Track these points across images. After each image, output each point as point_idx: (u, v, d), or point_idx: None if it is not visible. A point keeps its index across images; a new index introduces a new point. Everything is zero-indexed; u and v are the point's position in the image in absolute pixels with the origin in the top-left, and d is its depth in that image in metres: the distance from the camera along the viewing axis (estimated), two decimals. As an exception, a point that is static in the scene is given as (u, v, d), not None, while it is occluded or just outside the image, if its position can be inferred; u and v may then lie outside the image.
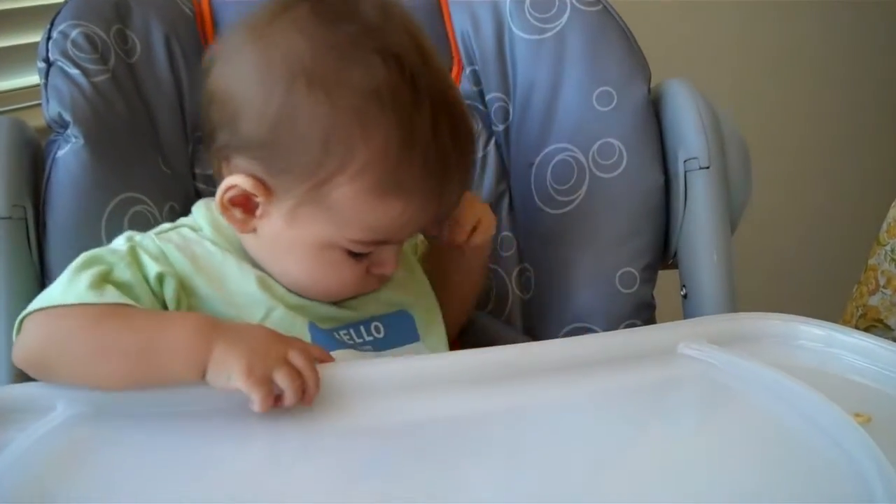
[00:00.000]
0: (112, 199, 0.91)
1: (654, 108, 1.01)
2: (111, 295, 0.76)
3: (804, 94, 1.95)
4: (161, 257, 0.82)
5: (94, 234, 0.90)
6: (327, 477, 0.68)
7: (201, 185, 1.01)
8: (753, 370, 0.78)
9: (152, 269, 0.81)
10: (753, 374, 0.78)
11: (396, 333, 0.89)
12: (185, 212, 0.92)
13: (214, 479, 0.67)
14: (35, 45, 0.94)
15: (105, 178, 0.91)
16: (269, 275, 0.85)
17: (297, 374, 0.72)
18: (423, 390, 0.75)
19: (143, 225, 0.92)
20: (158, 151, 0.98)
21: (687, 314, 0.99)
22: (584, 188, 1.01)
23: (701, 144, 0.97)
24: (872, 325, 1.41)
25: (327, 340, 0.84)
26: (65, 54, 0.92)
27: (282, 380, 0.71)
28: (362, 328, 0.88)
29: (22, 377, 0.84)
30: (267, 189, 0.81)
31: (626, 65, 1.00)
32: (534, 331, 1.04)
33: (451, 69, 1.06)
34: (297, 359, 0.72)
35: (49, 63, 0.92)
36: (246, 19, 0.83)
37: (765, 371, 0.77)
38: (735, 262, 0.99)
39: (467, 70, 1.07)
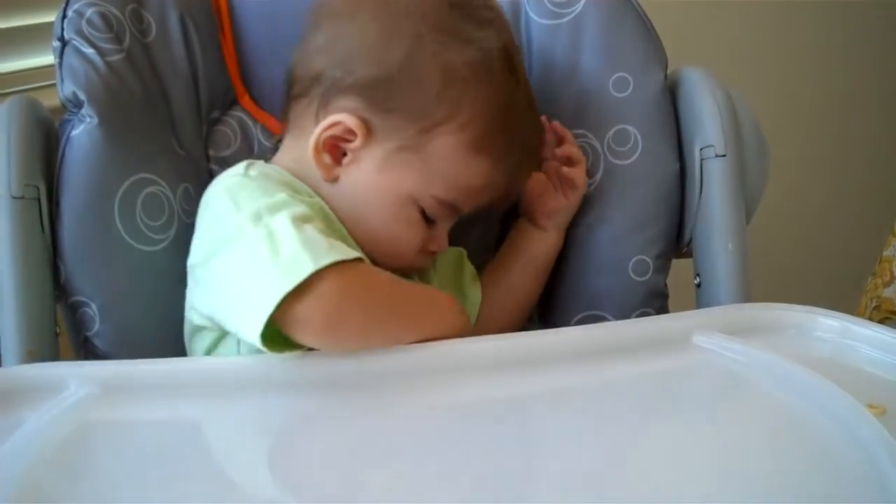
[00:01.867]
0: (126, 179, 0.91)
1: (671, 96, 1.00)
2: (340, 249, 0.74)
3: (816, 84, 1.94)
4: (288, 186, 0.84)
5: (108, 214, 0.90)
6: (342, 457, 0.68)
7: (215, 167, 1.01)
8: (767, 361, 0.78)
9: (300, 206, 0.79)
10: (767, 365, 0.78)
11: None
12: (199, 194, 0.92)
13: (228, 458, 0.67)
14: (50, 24, 0.94)
15: (119, 159, 0.91)
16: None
17: None
18: (434, 377, 0.75)
19: (156, 207, 0.92)
20: (172, 132, 0.98)
21: (700, 303, 0.98)
22: (599, 174, 1.00)
23: (717, 132, 0.96)
24: (887, 317, 1.41)
25: None
26: (80, 33, 0.92)
27: None
28: None
29: (32, 358, 0.85)
30: (368, 130, 0.85)
31: (642, 51, 0.99)
32: (546, 318, 1.04)
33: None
34: None
35: (64, 42, 0.92)
36: None
37: (779, 361, 0.77)
38: (750, 252, 0.98)
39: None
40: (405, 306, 0.80)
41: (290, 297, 0.71)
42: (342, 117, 0.85)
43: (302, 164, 0.89)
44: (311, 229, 0.75)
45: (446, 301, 0.83)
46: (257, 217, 0.77)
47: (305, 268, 0.71)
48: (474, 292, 1.01)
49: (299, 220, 0.76)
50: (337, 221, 0.87)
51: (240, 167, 0.88)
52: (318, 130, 0.86)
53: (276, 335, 0.73)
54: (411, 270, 0.93)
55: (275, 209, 0.77)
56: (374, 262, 0.82)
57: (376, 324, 0.77)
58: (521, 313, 1.03)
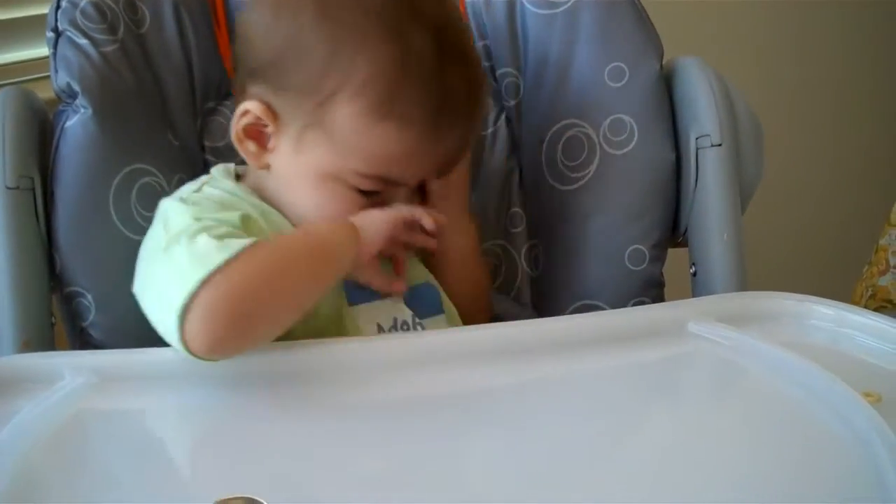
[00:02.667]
0: (120, 170, 0.91)
1: (667, 85, 1.00)
2: (240, 243, 0.75)
3: (812, 74, 1.93)
4: (222, 205, 0.84)
5: (102, 205, 0.90)
6: (331, 448, 0.68)
7: (210, 158, 1.01)
8: (763, 349, 0.78)
9: (233, 216, 0.81)
10: (763, 353, 0.78)
11: (423, 305, 0.90)
12: (194, 184, 0.92)
13: (220, 447, 0.67)
14: (44, 16, 0.94)
15: (113, 150, 0.91)
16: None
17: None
18: (430, 365, 0.75)
19: (152, 197, 0.92)
20: (167, 123, 0.97)
21: (696, 293, 0.98)
22: (595, 164, 1.00)
23: (713, 122, 0.96)
24: (882, 305, 1.41)
25: (364, 294, 0.86)
26: (74, 24, 0.91)
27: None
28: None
29: (27, 348, 0.85)
30: (274, 113, 0.84)
31: (638, 40, 0.99)
32: (542, 307, 1.04)
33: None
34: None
35: (58, 33, 0.92)
36: None
37: (774, 350, 0.77)
38: (745, 241, 0.98)
39: (478, 45, 1.06)
40: (293, 272, 0.78)
41: (181, 317, 0.72)
42: (249, 105, 0.85)
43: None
44: (204, 239, 0.75)
45: (338, 232, 0.82)
46: (174, 240, 0.78)
47: (184, 290, 0.72)
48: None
49: (198, 233, 0.76)
50: (277, 215, 0.87)
51: (186, 189, 0.89)
52: (233, 122, 0.87)
53: None
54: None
55: (187, 233, 0.77)
56: None
57: (265, 311, 0.75)
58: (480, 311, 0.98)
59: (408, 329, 0.87)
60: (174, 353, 0.73)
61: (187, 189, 0.88)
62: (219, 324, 0.73)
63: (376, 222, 0.84)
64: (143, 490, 0.63)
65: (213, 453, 0.66)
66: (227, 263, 0.73)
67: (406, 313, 0.88)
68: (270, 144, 0.86)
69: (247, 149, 0.87)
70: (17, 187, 0.87)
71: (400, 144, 0.82)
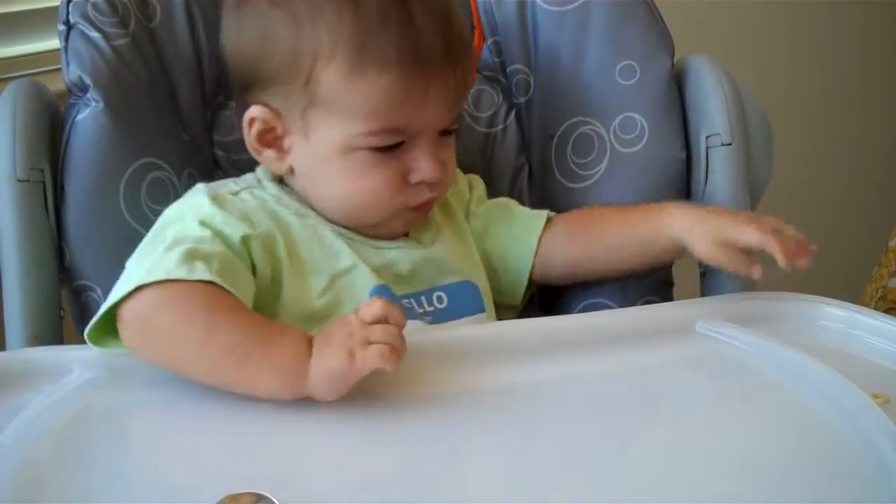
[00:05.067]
0: (130, 164, 0.91)
1: (678, 83, 1.00)
2: (201, 271, 0.74)
3: (823, 74, 1.93)
4: (245, 216, 0.83)
5: (112, 198, 0.90)
6: (339, 444, 0.68)
7: (220, 152, 1.01)
8: (772, 350, 0.78)
9: (236, 232, 0.81)
10: (772, 354, 0.78)
11: (461, 303, 0.90)
12: (204, 179, 0.92)
13: (229, 442, 0.67)
14: (55, 8, 0.94)
15: (123, 143, 0.91)
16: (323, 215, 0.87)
17: (388, 330, 0.70)
18: (437, 362, 0.75)
19: (161, 191, 0.92)
20: (177, 117, 0.98)
21: (705, 293, 0.98)
22: (605, 162, 1.00)
23: (723, 121, 0.96)
24: (892, 307, 1.41)
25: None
26: (85, 17, 0.91)
27: (381, 338, 0.69)
28: (423, 298, 0.88)
29: (36, 341, 0.85)
30: (274, 111, 0.84)
31: (649, 39, 0.99)
32: (550, 305, 1.04)
33: (473, 39, 1.05)
34: (377, 335, 0.69)
35: (69, 26, 0.92)
36: None
37: (783, 351, 0.77)
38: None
39: (489, 41, 1.06)
40: (201, 344, 0.72)
41: (122, 301, 0.74)
42: (251, 112, 0.85)
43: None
44: (177, 252, 0.75)
45: (280, 365, 0.71)
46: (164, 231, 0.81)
47: (132, 281, 0.74)
48: (528, 232, 0.96)
49: (192, 251, 0.76)
50: (315, 219, 0.86)
51: (226, 186, 0.88)
52: (245, 137, 0.87)
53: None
54: (418, 217, 0.89)
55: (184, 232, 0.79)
56: (378, 234, 0.87)
57: (154, 351, 0.74)
58: (599, 267, 0.96)
59: None
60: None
61: (226, 187, 0.88)
62: (126, 332, 0.74)
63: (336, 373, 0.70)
64: (150, 485, 0.63)
65: (222, 449, 0.66)
66: (166, 283, 0.73)
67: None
68: (285, 145, 0.86)
69: (266, 157, 0.87)
70: (28, 180, 0.87)
71: (388, 90, 0.81)
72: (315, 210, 0.87)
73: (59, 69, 0.93)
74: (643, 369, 0.79)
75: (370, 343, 0.69)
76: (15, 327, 0.87)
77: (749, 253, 0.83)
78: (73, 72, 0.90)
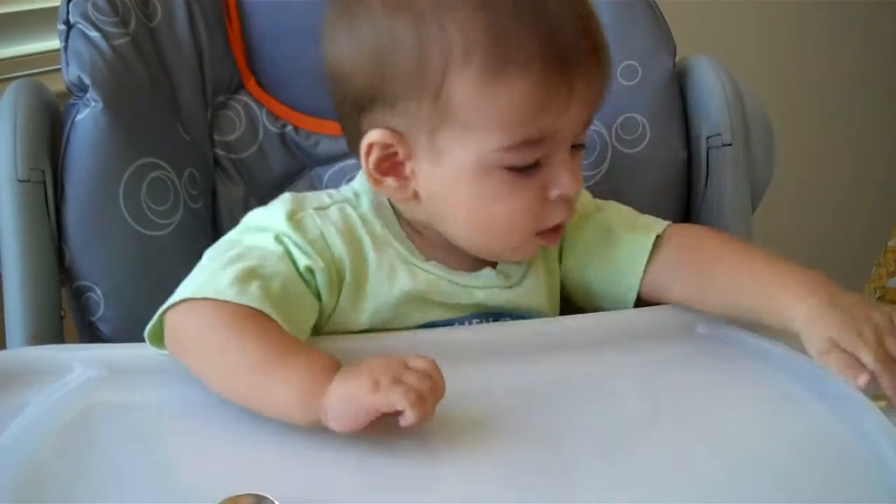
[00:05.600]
0: (130, 164, 0.91)
1: (679, 84, 1.00)
2: (251, 296, 0.71)
3: (822, 74, 1.93)
4: (318, 240, 0.78)
5: (112, 198, 0.90)
6: (341, 445, 0.68)
7: (220, 152, 1.01)
8: (771, 351, 0.78)
9: (302, 261, 0.76)
10: (771, 355, 0.78)
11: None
12: (204, 179, 0.92)
13: (230, 442, 0.67)
14: (55, 9, 0.94)
15: (123, 143, 0.91)
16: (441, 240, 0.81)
17: (423, 376, 0.64)
18: (440, 363, 0.75)
19: (162, 191, 0.92)
20: (177, 117, 0.98)
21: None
22: (607, 162, 1.00)
23: (724, 121, 0.96)
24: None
25: None
26: (85, 17, 0.91)
27: (413, 383, 0.63)
28: (480, 320, 0.83)
29: (37, 341, 0.85)
30: (398, 133, 0.75)
31: (651, 39, 0.99)
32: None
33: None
34: (412, 379, 0.64)
35: (69, 25, 0.92)
36: None
37: (783, 352, 0.77)
38: (754, 241, 0.98)
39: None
40: (225, 360, 0.70)
41: (175, 306, 0.72)
42: (371, 136, 0.76)
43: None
44: (237, 268, 0.72)
45: (298, 383, 0.66)
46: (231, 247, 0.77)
47: (185, 291, 0.72)
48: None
49: (251, 269, 0.73)
50: (401, 248, 0.81)
51: (318, 198, 0.82)
52: (362, 163, 0.78)
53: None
54: (548, 245, 0.82)
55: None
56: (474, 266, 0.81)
57: (198, 360, 0.72)
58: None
59: None
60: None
61: (316, 200, 0.81)
62: (168, 339, 0.73)
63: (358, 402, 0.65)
64: (151, 485, 0.63)
65: (223, 449, 0.66)
66: (208, 301, 0.71)
67: None
68: (408, 171, 0.77)
69: (387, 187, 0.78)
70: (29, 180, 0.88)
71: (529, 92, 0.72)
72: (443, 234, 0.80)
73: (60, 69, 0.93)
74: (644, 371, 0.79)
75: (400, 381, 0.63)
76: (15, 327, 0.87)
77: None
78: (73, 72, 0.90)
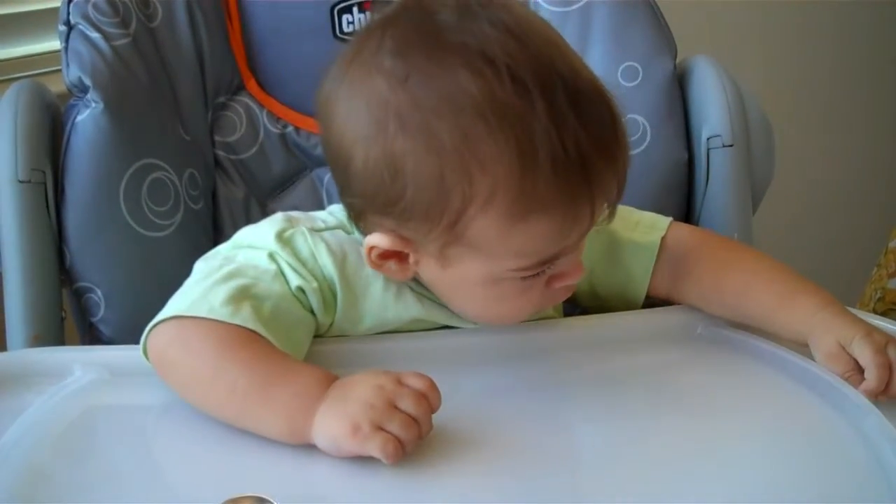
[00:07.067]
0: (131, 165, 0.91)
1: (679, 85, 1.00)
2: (244, 316, 0.70)
3: (823, 75, 1.93)
4: (309, 260, 0.76)
5: (112, 200, 0.90)
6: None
7: (221, 153, 1.01)
8: (772, 352, 0.78)
9: (294, 281, 0.75)
10: (772, 356, 0.78)
11: None
12: (205, 179, 0.92)
13: (230, 444, 0.67)
14: (56, 9, 0.94)
15: (124, 144, 0.91)
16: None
17: (409, 421, 0.64)
18: (442, 366, 0.75)
19: (162, 192, 0.92)
20: (178, 118, 0.97)
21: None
22: (607, 165, 1.00)
23: (725, 122, 0.96)
24: (891, 308, 1.41)
25: None
26: (86, 18, 0.91)
27: (395, 430, 0.63)
28: None
29: (37, 342, 0.85)
30: (406, 240, 0.73)
31: (652, 40, 0.99)
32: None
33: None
34: (406, 402, 0.65)
35: (70, 26, 0.92)
36: (339, 56, 0.74)
37: (783, 353, 0.77)
38: (755, 242, 0.98)
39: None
40: (216, 382, 0.69)
41: (165, 322, 0.71)
42: (376, 240, 0.73)
43: None
44: (230, 286, 0.72)
45: (294, 405, 0.66)
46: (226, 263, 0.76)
47: (176, 307, 0.71)
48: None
49: (245, 288, 0.73)
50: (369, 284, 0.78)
51: (322, 217, 0.81)
52: (364, 253, 0.75)
53: None
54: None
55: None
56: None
57: (187, 382, 0.71)
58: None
59: None
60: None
61: (310, 222, 0.79)
62: (152, 355, 0.72)
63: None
64: (152, 487, 0.63)
65: (223, 451, 0.66)
66: (199, 320, 0.70)
67: None
68: (412, 261, 0.75)
69: (389, 269, 0.75)
70: (29, 181, 0.87)
71: (555, 229, 0.70)
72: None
73: (61, 70, 0.93)
74: (644, 372, 0.79)
75: (380, 428, 0.63)
76: (16, 328, 0.87)
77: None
78: (73, 73, 0.90)
